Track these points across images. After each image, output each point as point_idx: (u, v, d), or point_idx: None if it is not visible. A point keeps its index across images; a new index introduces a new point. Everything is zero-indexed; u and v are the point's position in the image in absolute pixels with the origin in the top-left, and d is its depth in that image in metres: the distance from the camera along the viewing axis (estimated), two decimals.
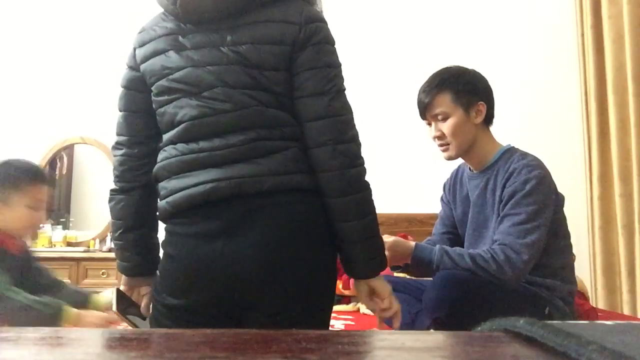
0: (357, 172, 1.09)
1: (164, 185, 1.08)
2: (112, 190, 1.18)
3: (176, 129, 1.07)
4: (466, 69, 1.66)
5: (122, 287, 1.20)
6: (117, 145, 1.16)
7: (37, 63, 3.65)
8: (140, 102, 1.14)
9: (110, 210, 1.18)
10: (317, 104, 1.05)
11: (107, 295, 1.19)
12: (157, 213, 1.12)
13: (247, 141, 1.03)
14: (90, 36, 3.62)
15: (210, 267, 1.01)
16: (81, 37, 3.63)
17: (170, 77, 1.07)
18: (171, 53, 1.08)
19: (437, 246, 1.53)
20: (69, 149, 3.84)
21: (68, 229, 3.52)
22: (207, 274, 1.01)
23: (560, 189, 1.62)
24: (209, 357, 0.31)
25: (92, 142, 3.67)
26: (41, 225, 2.71)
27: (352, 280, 2.32)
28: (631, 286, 2.74)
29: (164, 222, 1.10)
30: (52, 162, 3.82)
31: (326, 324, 1.11)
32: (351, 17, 3.21)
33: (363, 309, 2.21)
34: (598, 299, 2.83)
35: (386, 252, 1.44)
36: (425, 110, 1.63)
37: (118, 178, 1.16)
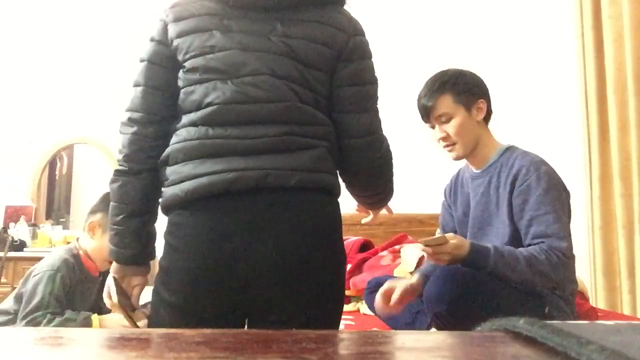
0: (389, 182, 1.27)
1: (177, 170, 1.01)
2: (117, 171, 1.09)
3: (202, 110, 1.01)
4: (462, 70, 1.70)
5: (114, 275, 1.12)
6: (130, 123, 1.08)
7: (37, 64, 3.65)
8: (163, 78, 1.07)
9: (113, 192, 1.09)
10: (359, 122, 1.10)
11: (107, 284, 1.13)
12: (161, 199, 1.05)
13: (279, 134, 1.00)
14: (91, 37, 3.62)
15: (229, 265, 0.95)
16: (81, 37, 3.63)
17: (210, 55, 1.02)
18: (216, 33, 1.03)
19: (492, 247, 1.49)
20: (69, 149, 3.85)
21: (68, 229, 3.52)
22: (225, 273, 0.96)
23: None
24: (209, 357, 0.31)
25: (92, 142, 3.67)
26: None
27: (352, 281, 2.34)
28: (631, 286, 2.73)
29: (170, 210, 1.03)
30: (52, 162, 3.82)
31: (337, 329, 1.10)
32: (355, 15, 3.21)
33: (363, 309, 2.21)
34: (598, 299, 2.83)
35: (446, 256, 1.44)
36: (429, 113, 1.66)
37: (127, 158, 1.07)
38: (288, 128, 1.01)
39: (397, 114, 3.09)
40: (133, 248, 1.09)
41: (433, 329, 1.51)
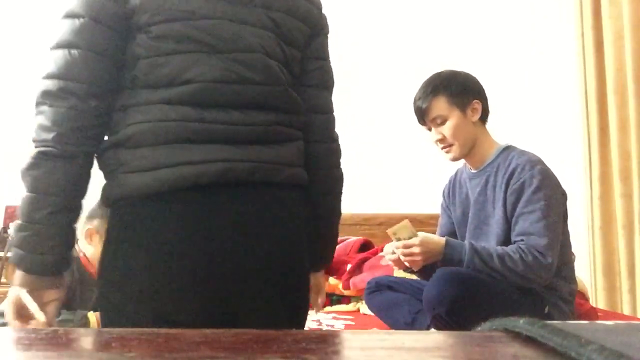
0: (340, 171, 1.09)
1: (146, 154, 0.85)
2: (41, 154, 0.86)
3: (181, 87, 0.87)
4: (456, 71, 1.72)
5: (23, 291, 0.88)
6: (63, 94, 0.85)
7: (37, 64, 3.64)
8: (112, 42, 0.87)
9: (34, 181, 0.87)
10: (322, 96, 1.03)
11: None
12: (114, 188, 0.88)
13: (268, 122, 0.91)
14: None
15: (215, 264, 0.86)
16: None
17: (192, 22, 0.87)
18: None
19: (467, 243, 1.54)
20: None
21: None
22: (210, 274, 0.86)
23: None
24: (209, 357, 0.31)
25: None
26: None
27: (352, 281, 2.34)
28: (631, 286, 2.73)
29: (129, 201, 0.86)
30: None
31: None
32: (355, 15, 3.21)
33: (363, 309, 2.21)
34: (598, 299, 2.83)
35: (417, 249, 1.49)
36: (424, 116, 1.68)
37: (60, 138, 0.85)
38: (277, 116, 0.92)
39: (396, 114, 3.09)
40: (56, 253, 0.88)
41: (433, 329, 1.51)
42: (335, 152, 1.07)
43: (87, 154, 0.89)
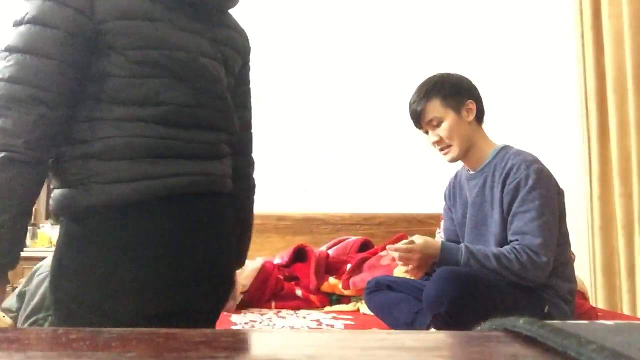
0: (255, 181, 1.26)
1: (123, 167, 0.93)
2: (6, 158, 0.87)
3: (155, 108, 0.95)
4: (449, 73, 1.76)
5: None
6: (33, 101, 0.88)
7: None
8: (85, 57, 0.93)
9: (2, 185, 0.87)
10: (247, 116, 1.19)
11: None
12: (88, 197, 0.93)
13: (218, 141, 1.06)
14: None
15: (190, 265, 0.99)
16: None
17: (168, 53, 0.96)
18: (163, 26, 0.96)
19: (463, 246, 1.57)
20: None
21: None
22: (185, 273, 0.98)
23: None
24: (209, 357, 0.31)
25: None
26: None
27: (352, 281, 2.34)
28: (631, 286, 2.74)
29: (104, 209, 0.93)
30: None
31: None
32: (355, 14, 3.21)
33: (363, 309, 2.21)
34: (598, 299, 2.83)
35: (416, 256, 1.53)
36: (419, 119, 1.71)
37: (29, 144, 0.88)
38: (224, 136, 1.07)
39: (396, 114, 3.09)
40: (11, 255, 0.90)
41: (433, 329, 1.51)
42: (253, 164, 1.24)
43: (48, 162, 0.95)
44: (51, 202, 1.00)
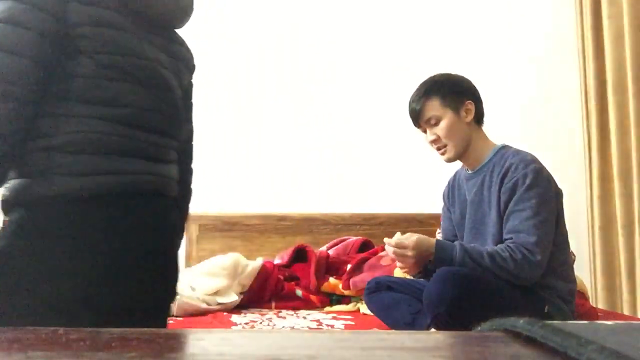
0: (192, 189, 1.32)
1: (83, 160, 0.97)
2: None
3: (118, 109, 1.01)
4: (449, 73, 1.77)
5: None
6: (3, 96, 0.91)
7: None
8: (53, 57, 0.97)
9: None
10: (191, 129, 1.27)
11: None
12: (55, 187, 0.97)
13: (169, 146, 1.13)
14: None
15: (143, 260, 1.02)
16: None
17: (133, 60, 1.03)
18: (132, 37, 1.04)
19: (457, 244, 1.57)
20: None
21: None
22: (140, 269, 1.01)
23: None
24: (208, 357, 0.31)
25: None
26: None
27: (352, 281, 2.34)
28: (631, 286, 2.74)
29: (63, 200, 0.96)
30: None
31: None
32: (349, 14, 3.21)
33: (363, 308, 2.21)
34: (598, 299, 2.83)
35: (410, 252, 1.54)
36: (418, 117, 1.72)
37: (4, 140, 0.92)
38: (173, 142, 1.14)
39: (396, 113, 3.09)
40: None
41: (433, 329, 1.51)
42: (192, 172, 1.30)
43: (16, 156, 0.97)
44: (4, 191, 1.00)
